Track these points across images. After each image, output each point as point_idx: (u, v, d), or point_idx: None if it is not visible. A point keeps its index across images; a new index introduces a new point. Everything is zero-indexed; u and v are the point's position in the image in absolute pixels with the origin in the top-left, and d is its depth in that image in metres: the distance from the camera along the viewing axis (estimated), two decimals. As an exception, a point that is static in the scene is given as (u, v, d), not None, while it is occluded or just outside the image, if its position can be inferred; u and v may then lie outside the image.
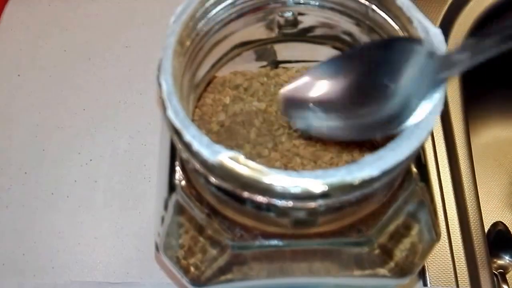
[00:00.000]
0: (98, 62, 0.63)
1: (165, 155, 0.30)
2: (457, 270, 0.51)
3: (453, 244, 0.52)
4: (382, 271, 0.29)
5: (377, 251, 0.28)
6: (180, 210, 0.30)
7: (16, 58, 0.64)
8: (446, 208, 0.53)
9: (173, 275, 0.36)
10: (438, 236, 0.31)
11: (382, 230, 0.28)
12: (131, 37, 0.65)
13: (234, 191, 0.23)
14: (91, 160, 0.58)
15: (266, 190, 0.22)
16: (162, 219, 0.31)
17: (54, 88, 0.62)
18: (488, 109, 0.77)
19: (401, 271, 0.30)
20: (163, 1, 0.67)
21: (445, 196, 0.54)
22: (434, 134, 0.57)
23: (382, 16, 0.26)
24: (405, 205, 0.29)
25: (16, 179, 0.57)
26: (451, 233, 0.53)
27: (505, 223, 0.67)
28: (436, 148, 0.56)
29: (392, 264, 0.29)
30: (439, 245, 0.51)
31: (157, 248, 0.32)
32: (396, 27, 0.26)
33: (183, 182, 0.28)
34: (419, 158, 0.29)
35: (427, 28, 0.24)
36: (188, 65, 0.26)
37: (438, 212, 0.52)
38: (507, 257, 0.63)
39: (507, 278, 0.63)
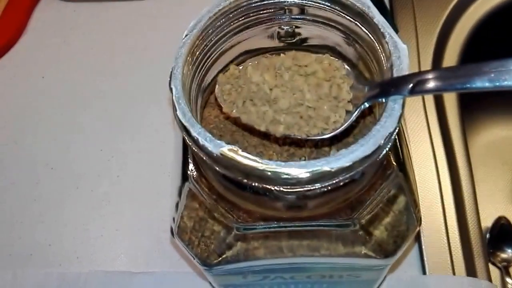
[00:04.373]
0: (119, 64, 0.66)
1: (178, 149, 0.35)
2: (453, 259, 0.53)
3: (450, 236, 0.54)
4: (364, 249, 0.33)
5: (360, 232, 0.33)
6: (192, 197, 0.34)
7: (42, 61, 0.68)
8: (444, 202, 0.56)
9: (187, 257, 0.40)
10: (419, 221, 0.35)
11: (365, 214, 0.33)
12: (152, 41, 0.68)
13: (235, 178, 0.27)
14: (113, 156, 0.60)
15: (261, 177, 0.26)
16: (176, 206, 0.36)
17: (77, 89, 0.65)
18: (485, 109, 0.79)
19: (382, 250, 0.34)
20: (183, 6, 0.70)
21: (443, 191, 0.56)
22: (432, 134, 0.59)
23: (363, 30, 0.31)
24: (386, 193, 0.33)
25: (43, 174, 0.60)
26: (448, 226, 0.55)
27: (508, 218, 0.69)
28: (435, 148, 0.59)
29: (373, 242, 0.34)
30: (437, 236, 0.54)
31: (172, 233, 0.37)
32: (373, 39, 0.30)
33: (195, 172, 0.33)
34: (397, 152, 0.33)
35: (396, 43, 0.29)
36: (197, 72, 0.31)
37: (436, 206, 0.55)
38: (510, 250, 0.65)
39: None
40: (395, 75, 0.29)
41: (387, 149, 0.27)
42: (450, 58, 0.65)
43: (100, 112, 0.64)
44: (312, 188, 0.26)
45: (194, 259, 0.35)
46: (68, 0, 0.72)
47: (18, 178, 0.60)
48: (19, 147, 0.62)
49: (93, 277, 0.54)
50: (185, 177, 0.33)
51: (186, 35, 0.30)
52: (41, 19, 0.71)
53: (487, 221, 0.69)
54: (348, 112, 0.32)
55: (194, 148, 0.28)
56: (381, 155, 0.27)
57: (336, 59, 0.33)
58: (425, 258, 0.53)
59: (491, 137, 0.79)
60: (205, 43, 0.31)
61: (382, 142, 0.26)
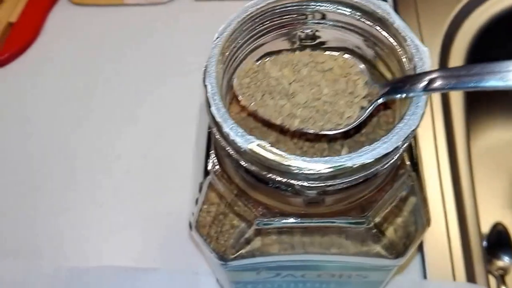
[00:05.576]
0: (132, 68, 0.68)
1: (201, 146, 0.36)
2: (454, 264, 0.54)
3: (451, 240, 0.55)
4: (377, 248, 0.35)
5: (374, 230, 0.34)
6: (212, 192, 0.36)
7: (56, 62, 0.69)
8: (446, 205, 0.57)
9: (199, 256, 0.41)
10: (428, 222, 0.37)
11: (378, 212, 0.34)
12: (166, 45, 0.70)
13: (260, 173, 0.29)
14: (123, 153, 0.62)
15: (285, 171, 0.28)
16: (196, 200, 0.37)
17: (90, 90, 0.67)
18: (490, 112, 0.79)
19: (394, 250, 0.35)
20: (197, 13, 0.72)
21: (444, 194, 0.57)
22: (437, 137, 0.60)
23: (383, 35, 0.33)
24: (399, 192, 0.35)
25: (56, 169, 0.61)
26: (449, 230, 0.56)
27: (505, 224, 0.69)
28: (438, 150, 0.60)
29: (385, 241, 0.35)
30: (438, 241, 0.55)
31: (190, 227, 0.38)
32: (394, 43, 0.32)
33: (217, 167, 0.34)
34: (411, 153, 0.35)
35: (418, 46, 0.30)
36: (226, 71, 0.33)
37: (438, 209, 0.55)
38: (506, 258, 0.65)
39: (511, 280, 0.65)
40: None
41: (405, 147, 0.28)
42: (455, 62, 0.66)
43: (113, 112, 0.65)
44: (332, 183, 0.28)
45: (211, 253, 0.37)
46: (82, 4, 0.74)
47: (30, 173, 0.61)
48: (31, 144, 0.63)
49: (101, 272, 0.55)
50: (206, 172, 0.35)
51: (217, 37, 0.32)
52: (56, 23, 0.73)
53: (484, 227, 0.69)
54: (362, 108, 0.33)
55: (222, 143, 0.29)
56: (400, 153, 0.28)
57: (350, 57, 0.34)
58: (426, 263, 0.54)
59: (489, 142, 0.80)
60: (233, 44, 0.33)
61: (404, 139, 0.27)
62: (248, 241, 0.35)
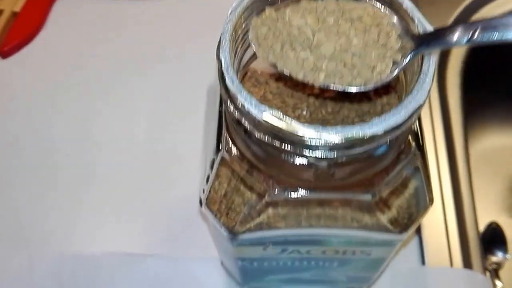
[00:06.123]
0: (138, 59, 0.69)
1: (213, 123, 0.37)
2: (451, 251, 0.56)
3: (449, 230, 0.57)
4: (383, 219, 0.36)
5: (380, 204, 0.36)
6: (224, 167, 0.37)
7: (60, 53, 0.70)
8: (444, 195, 0.59)
9: (214, 231, 0.42)
10: (431, 201, 0.38)
11: (385, 188, 0.35)
12: (172, 36, 0.71)
13: (273, 144, 0.30)
14: (129, 141, 0.63)
15: (298, 141, 0.29)
16: (208, 178, 0.38)
17: (94, 81, 0.68)
18: (488, 116, 0.81)
19: (398, 224, 0.37)
20: (204, 6, 0.72)
21: (443, 192, 0.59)
22: (436, 140, 0.62)
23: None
24: (405, 170, 0.36)
25: (62, 158, 0.62)
26: (447, 217, 0.58)
27: (500, 223, 0.71)
28: (438, 152, 0.61)
29: (391, 215, 0.36)
30: (436, 227, 0.57)
31: (201, 203, 0.39)
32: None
33: (229, 144, 0.35)
34: (416, 133, 0.36)
35: (425, 26, 0.31)
36: (236, 53, 0.33)
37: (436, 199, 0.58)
38: (500, 254, 0.68)
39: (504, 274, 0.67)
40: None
41: (414, 120, 0.30)
42: (455, 61, 0.68)
43: (118, 102, 0.66)
44: (343, 154, 0.29)
45: (221, 228, 0.38)
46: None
47: (36, 162, 0.62)
48: (37, 135, 0.64)
49: (107, 258, 0.55)
50: (218, 148, 0.36)
51: (230, 12, 0.32)
52: (61, 13, 0.73)
53: (480, 227, 0.70)
54: (394, 64, 0.31)
55: (236, 116, 0.30)
56: (409, 125, 0.30)
57: (382, 7, 0.33)
58: (424, 250, 0.56)
59: (485, 147, 0.82)
60: (246, 21, 0.33)
61: (412, 113, 0.29)
62: (258, 214, 0.36)
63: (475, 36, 0.28)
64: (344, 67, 0.31)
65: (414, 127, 0.37)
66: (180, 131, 0.63)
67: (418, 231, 0.57)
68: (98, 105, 0.66)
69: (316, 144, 0.28)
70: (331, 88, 0.31)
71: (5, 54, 0.70)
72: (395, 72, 0.31)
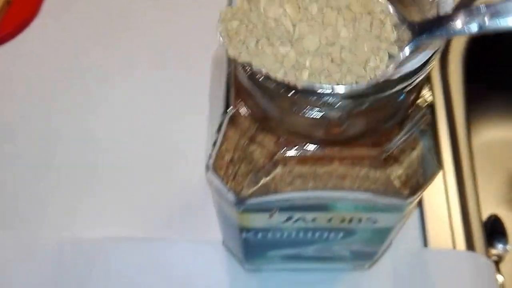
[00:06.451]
0: (137, 43, 0.69)
1: (219, 87, 0.37)
2: (454, 232, 0.57)
3: (451, 213, 0.58)
4: (392, 176, 0.35)
5: (390, 161, 0.35)
6: (232, 130, 0.36)
7: (56, 40, 0.69)
8: (446, 179, 0.59)
9: (218, 201, 0.42)
10: (439, 165, 0.38)
11: (395, 145, 0.35)
12: (170, 19, 0.71)
13: (286, 96, 0.29)
14: (128, 126, 0.63)
15: (311, 91, 0.28)
16: (215, 143, 0.38)
17: (91, 66, 0.67)
18: (490, 109, 0.81)
19: (407, 185, 0.36)
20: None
21: (447, 184, 0.59)
22: (440, 135, 0.62)
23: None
24: (415, 130, 0.36)
25: (59, 145, 0.62)
26: (450, 204, 0.58)
27: (500, 216, 0.72)
28: (442, 147, 0.61)
29: (400, 171, 0.36)
30: (438, 210, 0.57)
31: (207, 169, 0.39)
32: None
33: (238, 105, 0.35)
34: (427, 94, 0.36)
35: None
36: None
37: (438, 180, 0.58)
38: (500, 246, 0.68)
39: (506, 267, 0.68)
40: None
41: (430, 66, 0.29)
42: (455, 58, 0.68)
43: (116, 85, 0.66)
44: (357, 103, 0.28)
45: (228, 192, 0.37)
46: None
47: (34, 148, 0.62)
48: (32, 122, 0.63)
49: (107, 243, 0.55)
50: (227, 110, 0.36)
51: None
52: (55, 2, 0.72)
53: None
54: (391, 57, 0.28)
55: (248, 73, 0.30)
56: (423, 75, 0.29)
57: None
58: (426, 232, 0.57)
59: (486, 141, 0.82)
60: None
61: (428, 59, 0.28)
62: (267, 174, 0.35)
63: (487, 23, 0.25)
64: (332, 63, 0.27)
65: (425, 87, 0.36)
66: (180, 118, 0.63)
67: (422, 214, 0.57)
68: (94, 91, 0.66)
69: (331, 92, 0.28)
70: (316, 89, 0.27)
71: (-1, 42, 0.69)
72: (392, 67, 0.27)
